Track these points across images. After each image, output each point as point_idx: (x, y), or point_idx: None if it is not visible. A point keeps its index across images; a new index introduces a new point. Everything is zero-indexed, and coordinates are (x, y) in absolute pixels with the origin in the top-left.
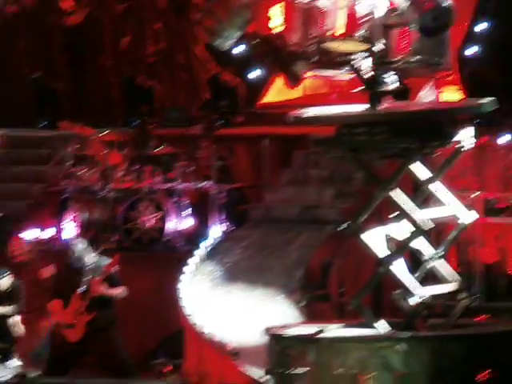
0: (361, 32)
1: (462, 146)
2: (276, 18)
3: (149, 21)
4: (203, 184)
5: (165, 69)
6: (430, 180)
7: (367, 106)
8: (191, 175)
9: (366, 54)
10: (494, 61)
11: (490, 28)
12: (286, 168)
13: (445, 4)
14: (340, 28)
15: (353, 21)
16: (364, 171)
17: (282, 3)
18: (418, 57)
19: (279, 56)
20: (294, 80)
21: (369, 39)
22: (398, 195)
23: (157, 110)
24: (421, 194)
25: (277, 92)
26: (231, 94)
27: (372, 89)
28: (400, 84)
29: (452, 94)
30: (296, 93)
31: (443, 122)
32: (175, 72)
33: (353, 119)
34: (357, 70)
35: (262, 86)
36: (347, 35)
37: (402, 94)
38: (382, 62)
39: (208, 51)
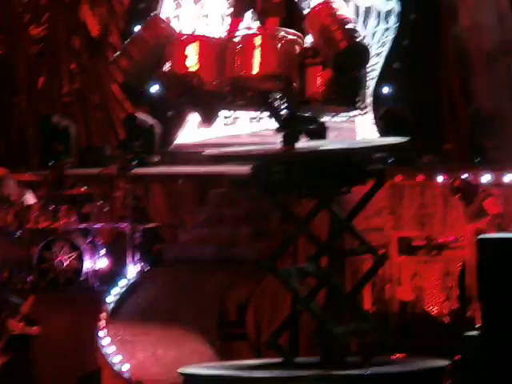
0: (277, 70)
1: (378, 185)
2: (191, 57)
3: (64, 60)
4: (118, 224)
5: (80, 108)
6: (347, 218)
7: (284, 144)
8: (106, 215)
9: (282, 93)
10: (408, 100)
11: (405, 66)
12: (201, 207)
13: (360, 42)
14: (256, 66)
15: (269, 59)
16: (280, 210)
17: (197, 42)
18: (334, 96)
19: (194, 95)
20: (208, 119)
21: (285, 78)
22: (315, 233)
23: (72, 149)
24: (337, 232)
25: (192, 131)
26: (146, 134)
27: (288, 128)
28: (316, 123)
29: (368, 133)
30: (212, 132)
31: (359, 160)
32: (90, 111)
33: (269, 158)
34: (272, 110)
35: (177, 125)
36: (263, 74)
37: (318, 132)
38: (298, 101)
39: (123, 90)
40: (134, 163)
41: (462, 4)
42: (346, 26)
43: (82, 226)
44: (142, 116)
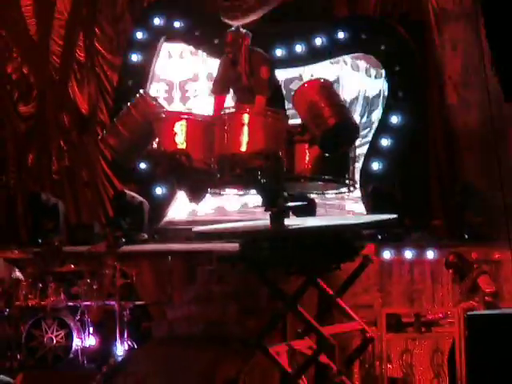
0: (265, 148)
1: (366, 261)
2: (179, 135)
3: (53, 137)
4: (107, 301)
5: (69, 185)
6: (335, 295)
7: (272, 221)
8: (95, 292)
9: (271, 171)
10: (396, 176)
11: (393, 143)
12: (189, 284)
13: (349, 119)
14: (244, 144)
15: (257, 136)
16: (268, 287)
17: (184, 120)
18: (322, 173)
19: (182, 173)
20: (196, 197)
21: (273, 155)
22: (303, 311)
23: (61, 226)
24: (326, 309)
25: (181, 208)
26: (135, 211)
27: (276, 205)
28: (305, 199)
29: (355, 210)
30: (200, 209)
31: (348, 237)
32: (79, 189)
33: (257, 235)
34: (260, 187)
35: (166, 202)
36: (251, 151)
37: (307, 209)
38: (286, 178)
39: (112, 168)
40: (122, 241)
41: (450, 81)
42: (335, 103)
43: (71, 303)
44: (131, 193)
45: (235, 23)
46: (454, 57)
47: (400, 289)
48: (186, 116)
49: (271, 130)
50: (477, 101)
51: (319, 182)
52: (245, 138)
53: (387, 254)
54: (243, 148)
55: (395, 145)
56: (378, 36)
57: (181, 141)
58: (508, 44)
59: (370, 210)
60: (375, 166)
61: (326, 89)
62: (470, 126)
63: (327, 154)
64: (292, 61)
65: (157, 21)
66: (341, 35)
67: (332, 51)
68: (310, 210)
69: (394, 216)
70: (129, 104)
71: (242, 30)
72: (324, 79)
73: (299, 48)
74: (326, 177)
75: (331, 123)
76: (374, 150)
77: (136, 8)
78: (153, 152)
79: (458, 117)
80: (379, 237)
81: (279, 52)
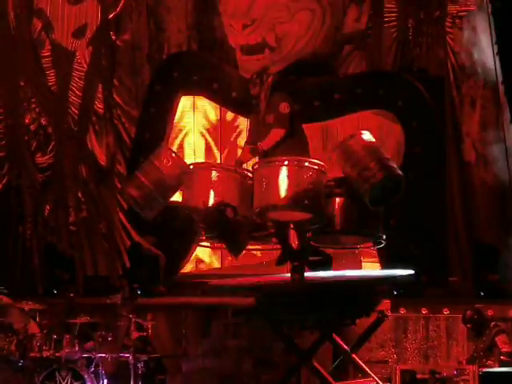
0: (303, 201)
1: (382, 317)
2: (217, 188)
3: (70, 189)
4: (122, 353)
5: (86, 237)
6: (350, 350)
7: (287, 275)
8: (110, 344)
9: (311, 223)
10: (414, 232)
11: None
12: (204, 338)
13: (395, 173)
14: (285, 197)
15: (294, 190)
16: (283, 341)
17: (216, 172)
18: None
19: (225, 227)
20: (237, 251)
21: (311, 208)
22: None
23: (78, 278)
24: (341, 364)
25: (196, 263)
26: (152, 263)
27: (298, 259)
28: (323, 254)
29: (372, 265)
30: (215, 263)
31: (363, 292)
32: (96, 240)
33: (272, 289)
34: (285, 240)
35: (182, 255)
36: (289, 204)
37: (324, 263)
38: (323, 232)
39: (129, 219)
40: (138, 293)
41: (468, 138)
42: (381, 157)
43: (86, 355)
44: (148, 245)
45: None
46: (472, 113)
47: (415, 345)
48: (220, 168)
49: (311, 183)
50: (495, 158)
51: (355, 236)
52: (284, 191)
53: (403, 310)
54: (284, 201)
55: (413, 201)
56: (395, 91)
57: (221, 194)
58: None
59: (387, 265)
60: (393, 221)
61: (371, 142)
62: (488, 183)
63: (373, 208)
64: (310, 116)
65: (175, 73)
66: (359, 90)
67: (350, 106)
68: (326, 264)
69: (411, 272)
70: (151, 156)
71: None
72: (367, 132)
73: (317, 103)
74: (365, 231)
75: (379, 177)
76: (391, 206)
77: (155, 60)
78: (197, 207)
79: (476, 174)
80: (395, 292)
81: (297, 107)
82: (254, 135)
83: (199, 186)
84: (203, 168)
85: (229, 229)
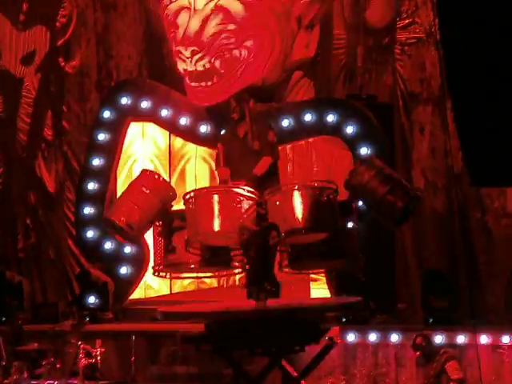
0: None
1: (331, 344)
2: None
3: (19, 215)
4: (70, 380)
5: (35, 264)
6: (299, 377)
7: (237, 302)
8: (59, 371)
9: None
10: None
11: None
12: (153, 364)
13: (411, 195)
14: (303, 220)
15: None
16: (233, 368)
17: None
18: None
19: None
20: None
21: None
22: None
23: (26, 304)
24: None
25: (144, 289)
26: (101, 290)
27: (253, 285)
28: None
29: (320, 291)
30: (164, 289)
31: (312, 319)
32: (45, 267)
33: (221, 316)
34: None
35: (131, 282)
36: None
37: (274, 292)
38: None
39: (78, 246)
40: (87, 320)
41: (417, 165)
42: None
43: (34, 382)
44: (96, 272)
45: (201, 104)
46: (421, 140)
47: (364, 372)
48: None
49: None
50: (444, 185)
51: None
52: (302, 215)
53: (351, 337)
54: (303, 224)
55: (361, 228)
56: (345, 118)
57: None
58: (476, 128)
59: (335, 292)
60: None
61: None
62: (437, 210)
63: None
64: None
65: (124, 100)
66: (308, 117)
67: (299, 133)
68: (275, 291)
69: (359, 298)
70: (136, 181)
71: (244, 94)
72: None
73: None
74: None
75: (400, 206)
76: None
77: (104, 87)
78: (244, 235)
79: (425, 201)
80: (343, 319)
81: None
82: (234, 159)
83: (224, 211)
84: (222, 191)
85: (269, 253)
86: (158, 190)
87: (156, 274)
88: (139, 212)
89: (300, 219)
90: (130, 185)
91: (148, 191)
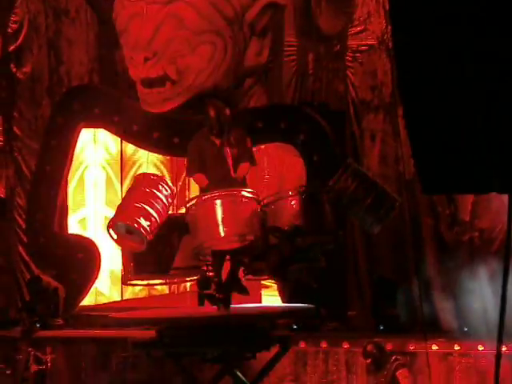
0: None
1: (282, 351)
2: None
3: None
4: None
5: None
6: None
7: (190, 308)
8: (9, 378)
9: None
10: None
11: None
12: (103, 371)
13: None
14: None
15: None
16: (184, 375)
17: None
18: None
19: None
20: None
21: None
22: None
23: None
24: None
25: (95, 295)
26: (51, 296)
27: (203, 289)
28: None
29: (271, 298)
30: (115, 296)
31: (263, 326)
32: None
33: (172, 322)
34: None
35: (82, 288)
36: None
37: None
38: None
39: (29, 253)
40: (37, 326)
41: (368, 171)
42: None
43: None
44: (47, 278)
45: (154, 111)
46: (372, 148)
47: (315, 379)
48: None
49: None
50: (395, 192)
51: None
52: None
53: (302, 344)
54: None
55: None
56: (296, 125)
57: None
58: (427, 135)
59: (286, 299)
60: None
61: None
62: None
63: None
64: None
65: (75, 106)
66: (260, 124)
67: (251, 140)
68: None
69: (310, 306)
70: (135, 184)
71: (218, 102)
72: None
73: None
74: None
75: (383, 215)
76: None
77: (55, 93)
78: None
79: None
80: (294, 326)
81: None
82: (210, 166)
83: (232, 215)
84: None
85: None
86: (158, 189)
87: (127, 282)
88: (149, 213)
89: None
90: (131, 190)
91: (149, 190)
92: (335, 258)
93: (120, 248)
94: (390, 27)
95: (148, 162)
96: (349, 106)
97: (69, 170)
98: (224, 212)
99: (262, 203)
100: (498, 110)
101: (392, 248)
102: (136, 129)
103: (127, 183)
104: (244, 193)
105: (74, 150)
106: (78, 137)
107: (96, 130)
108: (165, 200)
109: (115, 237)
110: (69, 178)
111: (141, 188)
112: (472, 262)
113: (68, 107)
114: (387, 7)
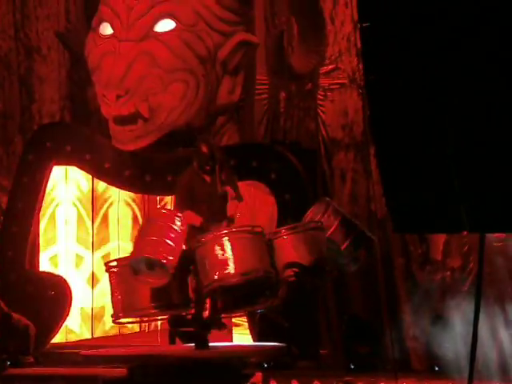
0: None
1: None
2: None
3: None
4: None
5: None
6: None
7: (161, 346)
8: None
9: None
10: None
11: None
12: None
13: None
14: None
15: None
16: None
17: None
18: None
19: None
20: None
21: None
22: None
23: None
24: None
25: (66, 333)
26: (21, 334)
27: (174, 327)
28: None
29: (242, 336)
30: (86, 334)
31: (235, 364)
32: None
33: (143, 360)
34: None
35: (53, 325)
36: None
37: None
38: None
39: None
40: (8, 363)
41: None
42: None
43: None
44: (18, 316)
45: (126, 148)
46: (342, 187)
47: None
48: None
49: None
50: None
51: None
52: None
53: (273, 383)
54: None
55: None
56: (268, 163)
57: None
58: (399, 175)
59: (257, 337)
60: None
61: None
62: None
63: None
64: None
65: (47, 144)
66: (232, 162)
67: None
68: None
69: (282, 345)
70: (151, 220)
71: (210, 138)
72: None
73: None
74: None
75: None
76: None
77: (26, 130)
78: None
79: None
80: (265, 365)
81: (170, 177)
82: (199, 203)
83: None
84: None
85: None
86: (175, 222)
87: (116, 320)
88: (172, 247)
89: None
90: (148, 225)
91: (167, 225)
92: (306, 296)
93: (141, 282)
94: (361, 65)
95: (119, 199)
96: (319, 145)
97: (40, 207)
98: (238, 248)
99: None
100: (469, 151)
101: (363, 287)
102: (108, 166)
103: (98, 221)
104: (255, 229)
105: (45, 188)
106: (49, 174)
107: (68, 167)
108: (180, 232)
109: (141, 272)
110: (40, 216)
111: (158, 223)
112: (443, 301)
113: (40, 145)
114: (359, 45)
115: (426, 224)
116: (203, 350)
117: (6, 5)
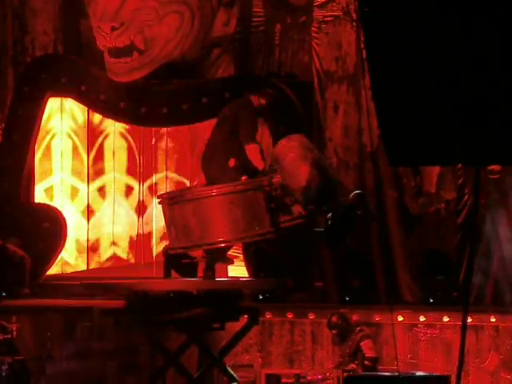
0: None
1: (251, 322)
2: None
3: None
4: None
5: None
6: (218, 354)
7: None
8: None
9: None
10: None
11: None
12: (69, 340)
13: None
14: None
15: None
16: (151, 343)
17: None
18: None
19: None
20: None
21: None
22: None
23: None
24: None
25: (61, 265)
26: (16, 266)
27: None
28: (191, 258)
29: (238, 270)
30: (81, 265)
31: (231, 297)
32: None
33: (142, 290)
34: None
35: (48, 257)
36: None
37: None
38: None
39: None
40: (3, 295)
41: (330, 143)
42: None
43: None
44: (13, 248)
45: (121, 80)
46: (334, 119)
47: (280, 349)
48: None
49: None
50: (356, 164)
51: None
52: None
53: (268, 315)
54: None
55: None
56: (264, 96)
57: None
58: (394, 107)
59: (253, 270)
60: None
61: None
62: (348, 188)
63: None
64: (178, 119)
65: (42, 75)
66: (227, 94)
67: (218, 110)
68: (192, 269)
69: (277, 279)
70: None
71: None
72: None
73: (186, 106)
74: None
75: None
76: None
77: (19, 63)
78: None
79: (338, 178)
80: (260, 297)
81: (165, 109)
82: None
83: None
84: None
85: None
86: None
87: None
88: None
89: None
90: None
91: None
92: (302, 230)
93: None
94: None
95: (115, 131)
96: (313, 77)
97: (36, 138)
98: None
99: None
100: (465, 82)
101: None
102: (103, 98)
103: (93, 153)
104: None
105: (40, 120)
106: (44, 106)
107: (63, 98)
108: None
109: None
110: (35, 147)
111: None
112: (438, 232)
113: (35, 76)
114: None
115: (420, 156)
116: (200, 282)
117: None
